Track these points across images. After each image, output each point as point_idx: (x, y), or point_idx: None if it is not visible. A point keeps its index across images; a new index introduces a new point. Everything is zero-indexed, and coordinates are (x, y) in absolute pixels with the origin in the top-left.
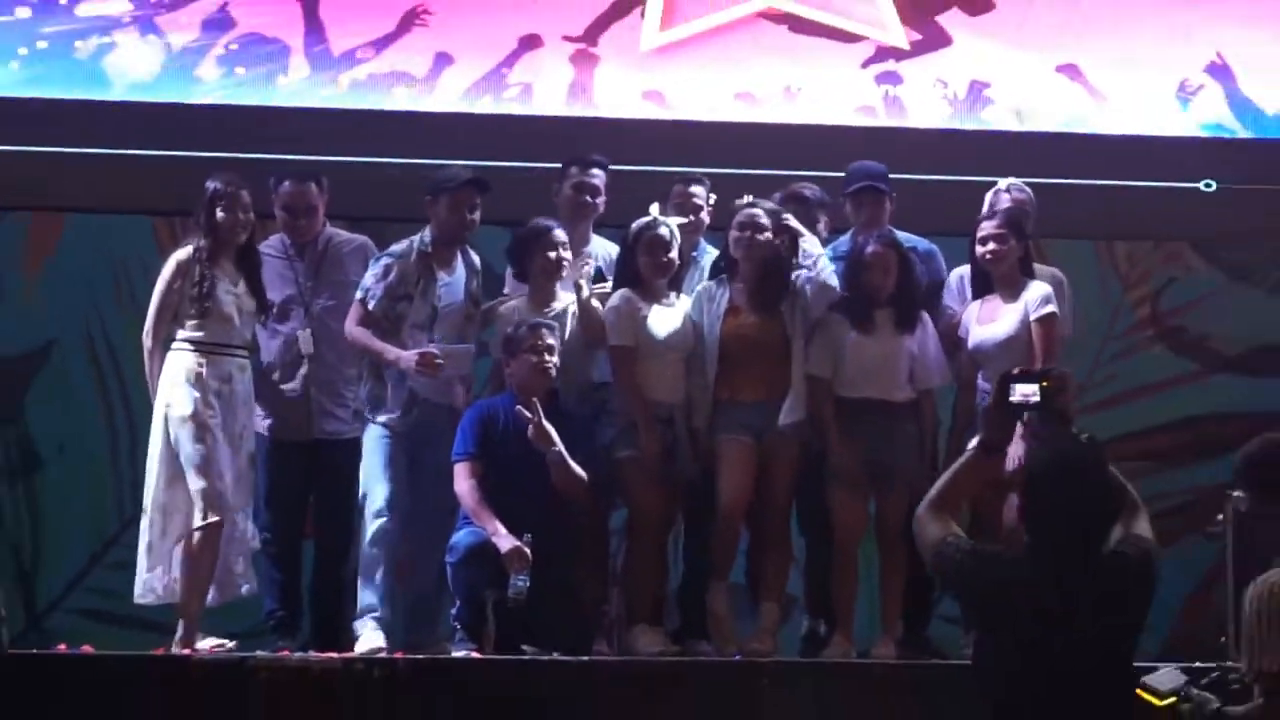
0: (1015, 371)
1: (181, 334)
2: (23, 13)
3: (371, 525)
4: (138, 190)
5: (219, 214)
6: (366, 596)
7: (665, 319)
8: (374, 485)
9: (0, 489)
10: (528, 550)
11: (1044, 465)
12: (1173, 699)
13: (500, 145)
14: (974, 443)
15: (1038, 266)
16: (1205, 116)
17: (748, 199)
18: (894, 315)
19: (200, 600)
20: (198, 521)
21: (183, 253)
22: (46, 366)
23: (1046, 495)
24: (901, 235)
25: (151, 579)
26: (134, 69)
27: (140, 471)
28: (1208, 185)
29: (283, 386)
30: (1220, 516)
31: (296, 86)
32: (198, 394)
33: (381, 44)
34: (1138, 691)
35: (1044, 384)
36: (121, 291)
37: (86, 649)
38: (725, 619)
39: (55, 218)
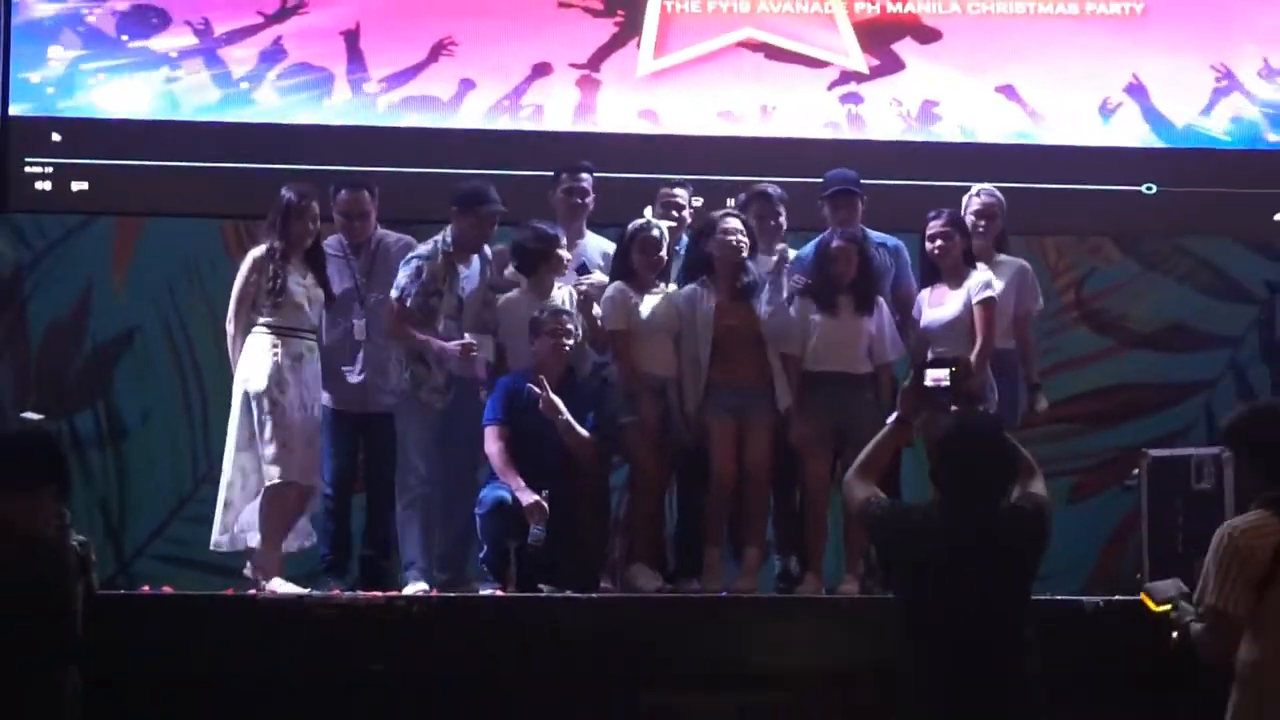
0: (929, 358)
1: (260, 320)
2: (106, 37)
3: (409, 492)
4: (207, 197)
5: (294, 223)
6: (409, 552)
7: (654, 306)
8: (413, 458)
9: (92, 454)
10: (545, 504)
11: (950, 433)
12: (1167, 606)
13: (515, 157)
14: (893, 417)
15: (1005, 258)
16: (1124, 129)
17: (728, 208)
18: (854, 300)
19: (275, 548)
20: (270, 480)
21: (259, 251)
22: (131, 350)
23: (952, 457)
24: (872, 233)
25: (229, 529)
26: (200, 94)
27: (211, 439)
28: (1149, 189)
29: (343, 368)
30: (1135, 471)
31: (340, 108)
32: (272, 371)
33: (413, 71)
34: (1141, 595)
35: (953, 370)
36: (194, 286)
37: (167, 590)
38: (717, 569)
39: (137, 222)
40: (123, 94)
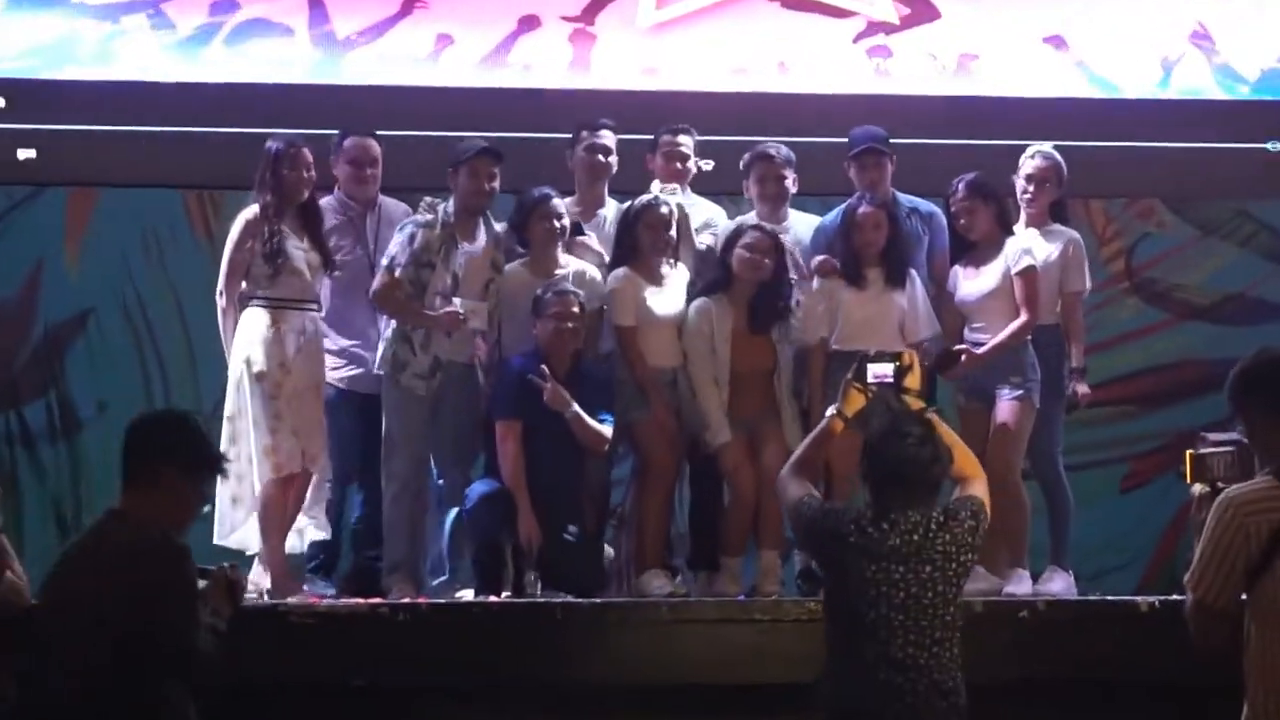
0: (871, 353)
1: (256, 292)
2: None
3: (393, 489)
4: (168, 165)
5: (284, 172)
6: (393, 552)
7: (662, 298)
8: (397, 452)
9: (44, 448)
10: (539, 544)
11: (881, 432)
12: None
13: (504, 117)
14: (830, 410)
15: (1059, 228)
16: (1187, 83)
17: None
18: (884, 272)
19: (282, 549)
20: (269, 475)
21: (250, 212)
22: (85, 333)
23: (883, 459)
24: (903, 198)
25: (239, 525)
26: (145, 52)
27: None
28: (1275, 146)
29: (351, 345)
30: None
31: (302, 68)
32: (274, 350)
33: (383, 26)
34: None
35: (897, 365)
36: (153, 262)
37: None
38: (737, 575)
39: (90, 193)
40: (66, 52)
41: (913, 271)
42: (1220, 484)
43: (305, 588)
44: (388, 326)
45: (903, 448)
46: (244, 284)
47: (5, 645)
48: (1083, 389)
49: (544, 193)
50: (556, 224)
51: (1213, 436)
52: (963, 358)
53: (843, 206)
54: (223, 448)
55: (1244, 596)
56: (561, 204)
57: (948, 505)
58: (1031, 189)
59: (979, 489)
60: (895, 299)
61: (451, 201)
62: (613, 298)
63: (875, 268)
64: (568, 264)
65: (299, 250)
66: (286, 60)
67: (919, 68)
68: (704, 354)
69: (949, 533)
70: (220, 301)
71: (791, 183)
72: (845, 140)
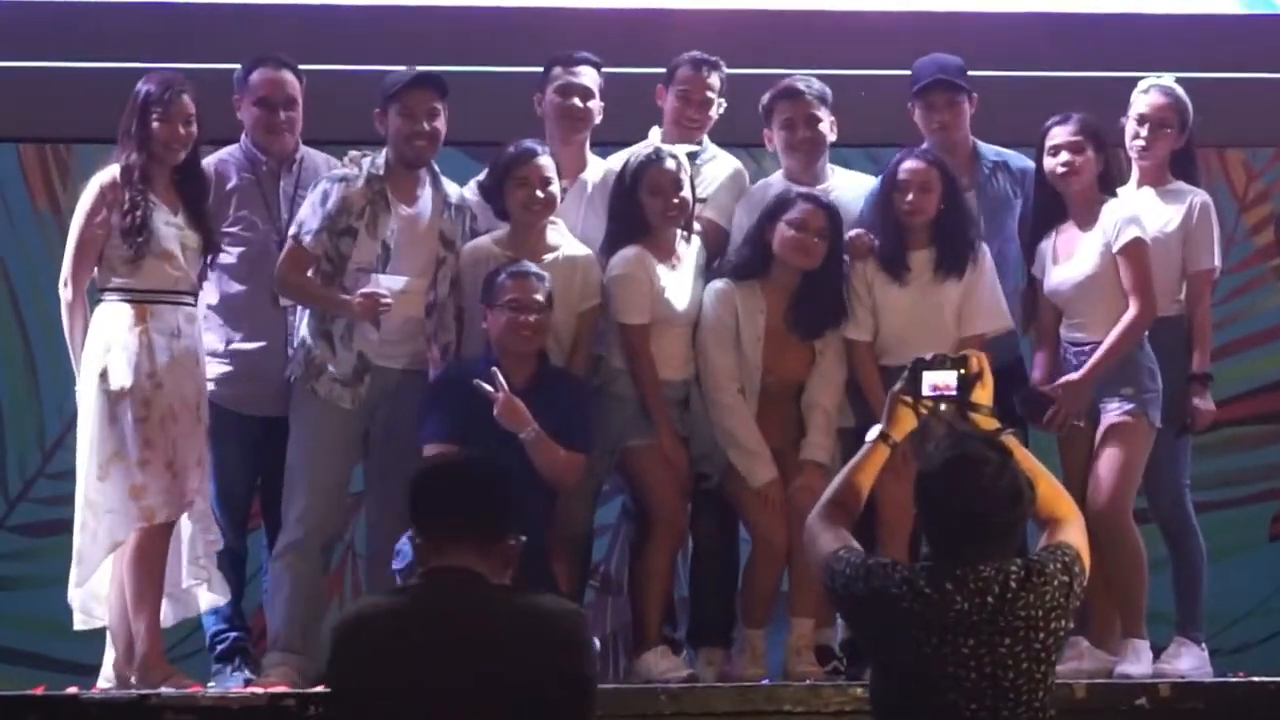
0: (928, 357)
1: (113, 280)
2: None
3: (286, 536)
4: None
5: (154, 124)
6: (273, 620)
7: (679, 286)
8: (301, 486)
9: None
10: None
11: (939, 465)
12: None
13: (454, 44)
14: (873, 433)
15: (1182, 186)
16: None
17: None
18: (934, 256)
19: (157, 621)
20: (136, 521)
21: (106, 175)
22: None
23: (942, 500)
24: (987, 149)
25: (85, 596)
26: None
27: (11, 466)
28: None
29: (250, 346)
30: None
31: None
32: (138, 358)
33: None
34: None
35: (961, 372)
36: None
37: None
38: (762, 654)
39: None
40: None
41: (983, 249)
42: None
43: (211, 682)
44: (302, 320)
45: (971, 482)
46: (97, 270)
47: None
48: (1205, 405)
49: (526, 147)
50: (542, 191)
51: None
52: (1057, 393)
53: (886, 167)
54: (81, 486)
55: None
56: (551, 164)
57: (1031, 557)
58: (1146, 134)
59: (1074, 534)
60: (949, 293)
61: (383, 153)
62: (619, 286)
63: (923, 250)
64: (559, 245)
65: (170, 226)
66: None
67: None
68: (729, 355)
69: (1034, 593)
70: (65, 293)
71: (829, 126)
72: (909, 74)
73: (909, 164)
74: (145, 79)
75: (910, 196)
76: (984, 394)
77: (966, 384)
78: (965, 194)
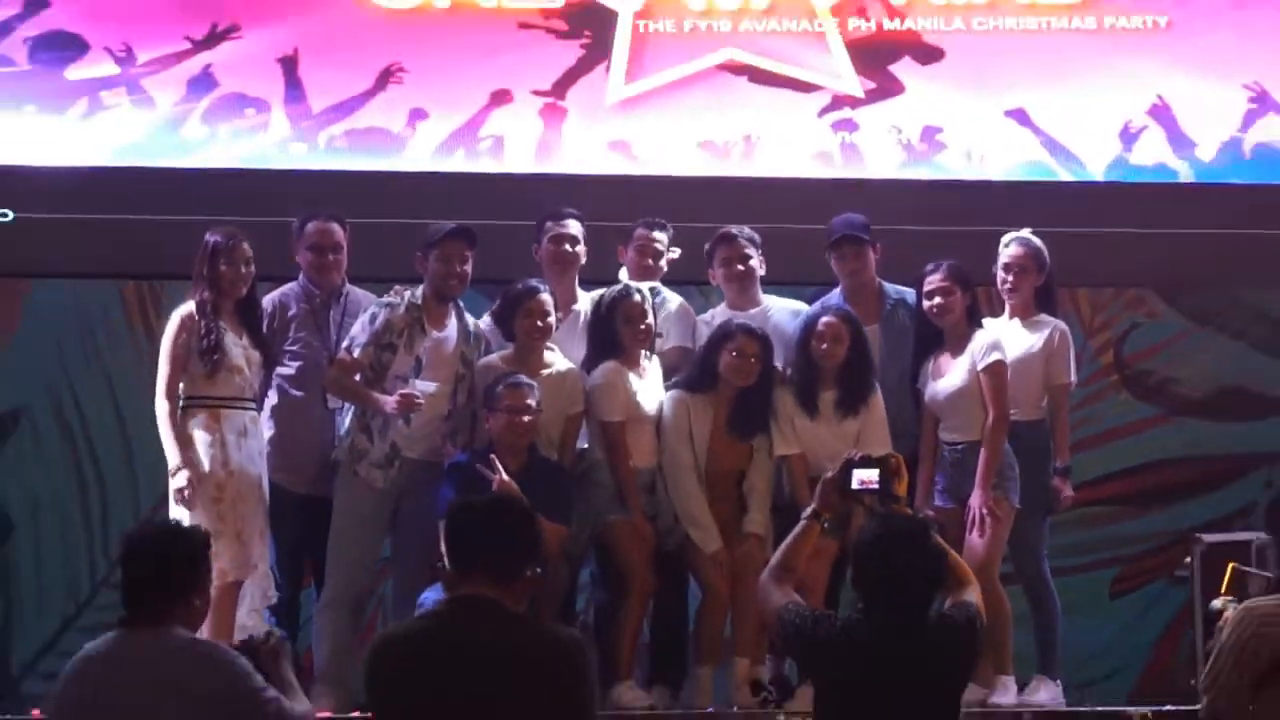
0: (856, 457)
1: (193, 392)
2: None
3: (328, 592)
4: (105, 254)
5: (221, 267)
6: (319, 661)
7: (648, 392)
8: (342, 550)
9: None
10: None
11: (872, 537)
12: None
13: (471, 204)
14: (808, 511)
15: (1045, 318)
16: (1147, 157)
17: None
18: (838, 396)
19: None
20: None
21: (185, 309)
22: (16, 432)
23: (874, 564)
24: (890, 288)
25: None
26: (122, 132)
27: (112, 534)
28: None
29: (302, 440)
30: (1187, 560)
31: (276, 143)
32: (214, 451)
33: (359, 101)
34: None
35: (882, 470)
36: (89, 357)
37: None
38: (708, 688)
39: (21, 283)
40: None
41: (876, 391)
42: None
43: None
44: (347, 416)
45: (899, 550)
46: (181, 383)
47: None
48: (1066, 490)
49: (532, 285)
50: (542, 321)
51: (1208, 539)
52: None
53: (805, 314)
54: None
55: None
56: (550, 300)
57: (944, 611)
58: (1012, 278)
59: (974, 594)
60: (848, 428)
61: (421, 289)
62: (601, 393)
63: (830, 390)
64: (553, 363)
65: (237, 347)
66: (258, 142)
67: (883, 140)
68: (686, 450)
69: (948, 639)
70: (163, 406)
71: (758, 263)
72: (823, 227)
73: (825, 319)
74: (211, 230)
75: (824, 345)
76: (901, 487)
77: (887, 479)
78: (870, 327)
